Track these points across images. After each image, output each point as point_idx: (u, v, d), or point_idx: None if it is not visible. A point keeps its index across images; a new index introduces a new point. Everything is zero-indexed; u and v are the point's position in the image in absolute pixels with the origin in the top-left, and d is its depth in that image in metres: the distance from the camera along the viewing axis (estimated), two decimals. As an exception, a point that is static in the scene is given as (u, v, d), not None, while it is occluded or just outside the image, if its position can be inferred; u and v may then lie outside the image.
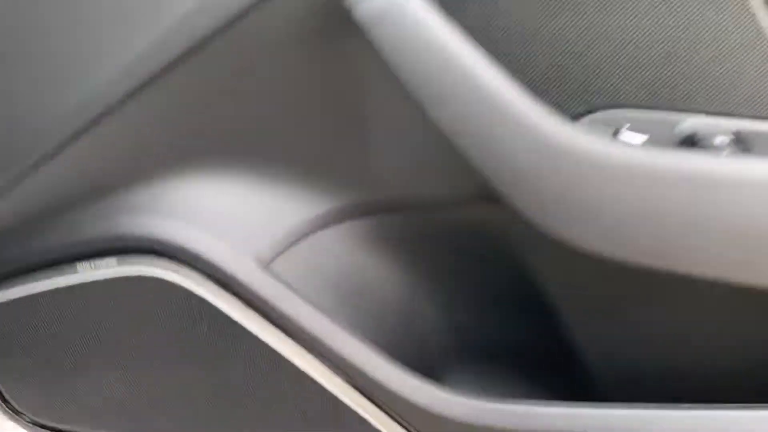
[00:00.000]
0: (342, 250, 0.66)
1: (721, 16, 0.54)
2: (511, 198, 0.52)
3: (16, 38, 0.59)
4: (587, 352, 0.67)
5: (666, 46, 0.55)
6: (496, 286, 0.68)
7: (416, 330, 0.69)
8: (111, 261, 0.63)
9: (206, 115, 0.60)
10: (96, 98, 0.58)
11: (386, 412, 0.62)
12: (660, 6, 0.54)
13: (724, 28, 0.54)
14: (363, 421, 0.63)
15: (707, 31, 0.54)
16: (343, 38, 0.57)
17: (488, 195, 0.63)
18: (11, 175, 0.62)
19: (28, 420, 0.74)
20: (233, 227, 0.63)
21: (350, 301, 0.67)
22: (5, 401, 0.74)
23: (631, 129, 0.56)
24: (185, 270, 0.61)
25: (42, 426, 0.74)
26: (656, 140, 0.56)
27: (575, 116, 0.58)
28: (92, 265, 0.63)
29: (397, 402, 0.61)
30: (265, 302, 0.60)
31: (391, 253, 0.67)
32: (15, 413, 0.74)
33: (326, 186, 0.64)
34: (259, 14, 0.54)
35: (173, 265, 0.61)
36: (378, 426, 0.63)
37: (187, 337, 0.63)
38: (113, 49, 0.57)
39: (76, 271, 0.64)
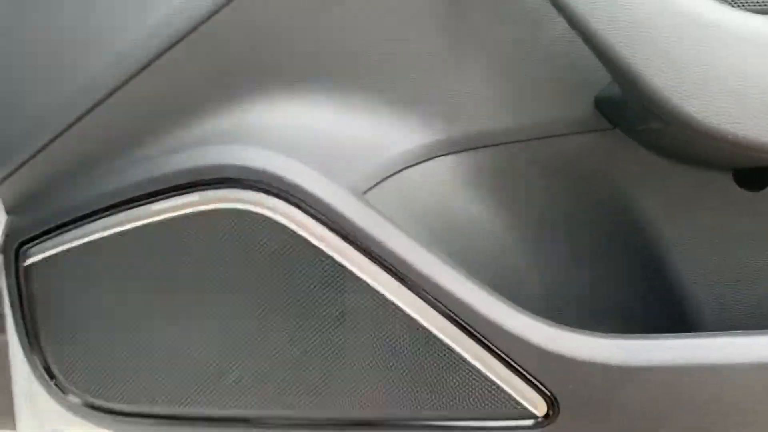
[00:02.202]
0: (432, 186, 0.62)
1: None
2: (650, 82, 0.49)
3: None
4: (694, 291, 0.63)
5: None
6: (593, 222, 0.64)
7: (508, 269, 0.65)
8: (191, 196, 0.58)
9: (299, 33, 0.58)
10: (176, 14, 0.55)
11: (485, 346, 0.57)
12: None
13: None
14: (457, 354, 0.57)
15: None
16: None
17: (590, 125, 0.61)
18: (77, 108, 0.58)
19: (78, 399, 0.67)
20: (326, 157, 0.59)
21: (440, 238, 0.62)
22: (52, 376, 0.67)
23: None
24: (275, 201, 0.57)
25: (93, 407, 0.66)
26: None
27: None
28: (170, 203, 0.58)
29: (497, 333, 0.56)
30: (362, 233, 0.56)
31: (482, 190, 0.63)
32: (62, 391, 0.67)
33: (419, 120, 0.61)
34: None
35: (262, 196, 0.57)
36: (471, 359, 0.57)
37: (277, 275, 0.58)
38: None
39: (151, 210, 0.59)
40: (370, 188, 0.60)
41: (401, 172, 0.61)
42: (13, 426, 1.02)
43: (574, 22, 0.51)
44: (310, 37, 0.58)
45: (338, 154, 0.59)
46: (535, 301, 0.65)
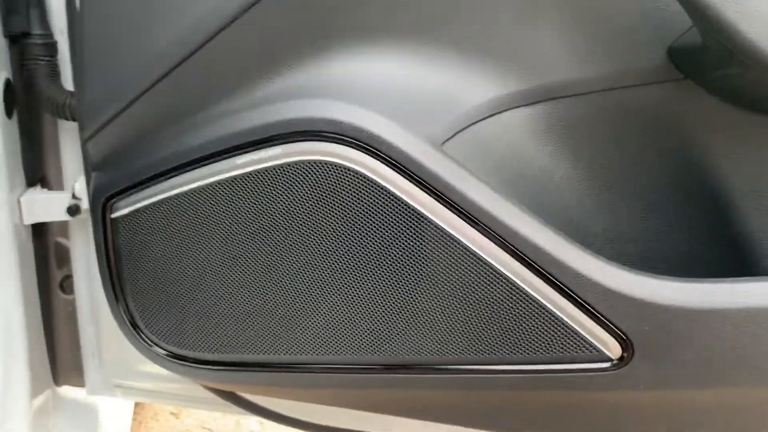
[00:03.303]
0: (505, 138, 0.64)
1: None
2: (736, 25, 0.50)
3: None
4: (761, 239, 0.64)
5: None
6: (662, 171, 0.65)
7: (577, 218, 0.66)
8: (274, 149, 0.60)
9: None
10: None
11: (561, 290, 0.58)
12: None
13: None
14: (533, 299, 0.59)
15: None
16: None
17: (662, 75, 0.61)
18: (164, 64, 0.60)
19: (163, 350, 0.69)
20: (405, 110, 0.60)
21: (512, 188, 0.64)
22: (138, 331, 0.70)
23: None
24: (357, 153, 0.58)
25: (180, 358, 0.69)
26: None
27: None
28: (253, 156, 0.61)
29: (572, 277, 0.58)
30: (441, 182, 0.57)
31: (554, 141, 0.65)
32: (148, 344, 0.70)
33: (493, 72, 0.62)
34: None
35: (344, 149, 0.59)
36: (547, 303, 0.59)
37: (358, 226, 0.60)
38: None
39: (235, 164, 0.61)
40: (447, 139, 0.61)
41: (476, 124, 0.63)
42: (82, 382, 1.07)
43: None
44: None
45: (417, 107, 0.61)
46: (605, 250, 0.66)
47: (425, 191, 0.58)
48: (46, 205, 0.93)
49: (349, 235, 0.60)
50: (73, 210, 0.93)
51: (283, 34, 0.59)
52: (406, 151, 0.58)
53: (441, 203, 0.58)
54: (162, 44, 0.60)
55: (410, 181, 0.58)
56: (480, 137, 0.63)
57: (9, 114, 0.88)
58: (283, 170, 0.60)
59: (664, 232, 0.66)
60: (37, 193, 0.94)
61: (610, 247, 0.67)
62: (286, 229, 0.61)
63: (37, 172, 0.95)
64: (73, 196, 0.93)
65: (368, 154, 0.58)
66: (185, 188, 0.62)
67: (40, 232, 0.98)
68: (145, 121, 0.63)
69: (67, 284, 1.03)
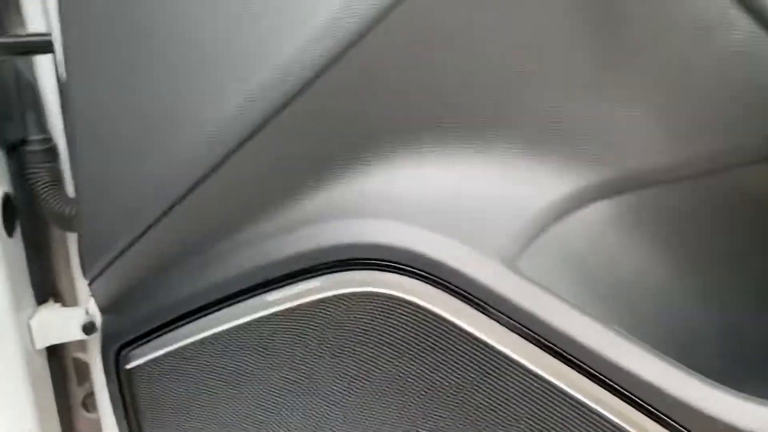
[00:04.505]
0: (588, 239, 0.52)
1: None
2: None
3: (193, 35, 0.48)
4: None
5: None
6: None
7: (682, 320, 0.54)
8: (313, 282, 0.50)
9: (418, 83, 0.49)
10: (280, 78, 0.47)
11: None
12: None
13: None
14: None
15: None
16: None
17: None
18: (174, 191, 0.50)
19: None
20: (461, 221, 0.49)
21: (604, 297, 0.52)
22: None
23: None
24: (414, 281, 0.48)
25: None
26: None
27: None
28: (288, 291, 0.50)
29: (690, 416, 0.46)
30: (521, 312, 0.46)
31: (646, 237, 0.53)
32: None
33: (564, 164, 0.51)
34: None
35: (397, 277, 0.48)
36: None
37: (419, 364, 0.49)
38: (291, 27, 0.46)
39: (266, 301, 0.51)
40: (519, 253, 0.50)
41: (551, 228, 0.52)
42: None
43: None
44: (431, 86, 0.48)
45: (476, 218, 0.50)
46: (714, 356, 0.55)
47: (500, 323, 0.47)
48: (59, 325, 0.84)
49: (406, 377, 0.49)
50: (89, 328, 0.84)
51: (313, 145, 0.49)
52: (473, 277, 0.47)
53: (520, 336, 0.47)
54: (171, 166, 0.50)
55: (481, 312, 0.47)
56: (557, 243, 0.52)
57: (10, 232, 0.79)
58: (324, 304, 0.50)
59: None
60: (50, 312, 0.85)
61: (720, 351, 0.55)
62: (328, 373, 0.50)
63: (48, 286, 0.87)
64: (87, 313, 0.84)
65: (427, 283, 0.48)
66: (209, 333, 0.52)
67: (55, 349, 0.89)
68: (155, 256, 0.53)
69: (90, 402, 0.94)
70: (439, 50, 0.47)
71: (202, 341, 0.53)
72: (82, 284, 0.86)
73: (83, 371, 0.92)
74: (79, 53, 0.53)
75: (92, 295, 0.57)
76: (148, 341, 0.54)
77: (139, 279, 0.54)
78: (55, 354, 0.89)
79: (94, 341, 0.88)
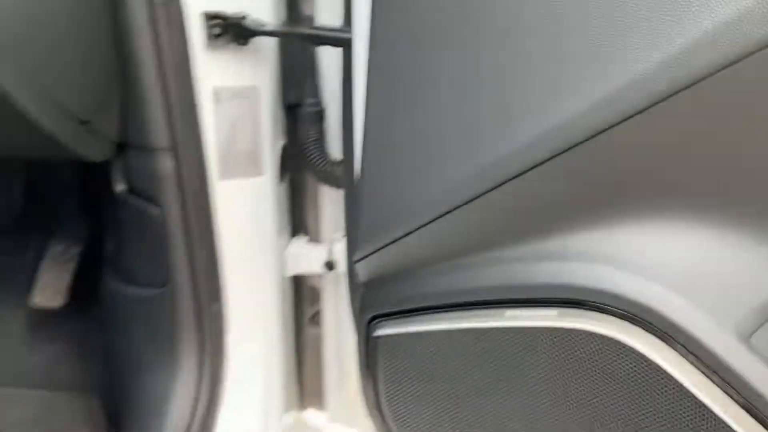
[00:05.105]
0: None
1: None
2: None
3: (486, 70, 0.54)
4: None
5: None
6: None
7: None
8: (549, 311, 0.56)
9: (687, 154, 0.51)
10: (562, 130, 0.52)
11: None
12: None
13: None
14: None
15: None
16: None
17: None
18: (446, 203, 0.58)
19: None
20: (704, 288, 0.52)
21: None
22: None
23: None
24: (644, 333, 0.52)
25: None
26: None
27: None
28: (525, 312, 0.57)
29: None
30: (751, 390, 0.49)
31: None
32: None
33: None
34: None
35: (628, 326, 0.53)
36: None
37: (636, 410, 0.54)
38: (594, 78, 0.50)
39: (503, 315, 0.59)
40: (754, 331, 0.52)
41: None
42: (324, 408, 1.17)
43: None
44: (706, 159, 0.50)
45: (718, 287, 0.52)
46: None
47: (727, 394, 0.50)
48: (306, 257, 1.00)
49: (622, 417, 0.55)
50: (330, 265, 0.99)
51: (573, 191, 0.54)
52: (706, 344, 0.50)
53: (743, 409, 0.50)
54: (445, 184, 0.58)
55: (709, 379, 0.51)
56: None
57: (282, 177, 0.94)
58: (555, 332, 0.56)
59: None
60: (300, 245, 1.01)
61: None
62: (545, 391, 0.58)
63: (300, 224, 1.02)
64: (329, 257, 0.99)
65: (658, 338, 0.52)
66: (449, 326, 0.62)
67: (299, 290, 1.07)
68: (415, 254, 0.62)
69: (316, 319, 1.11)
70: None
71: (444, 331, 0.62)
72: (326, 224, 1.01)
73: (314, 293, 1.09)
74: (384, 51, 0.61)
75: (355, 270, 0.68)
76: (395, 319, 0.65)
77: (395, 268, 0.64)
78: (297, 280, 1.07)
79: (328, 277, 1.04)
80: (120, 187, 0.85)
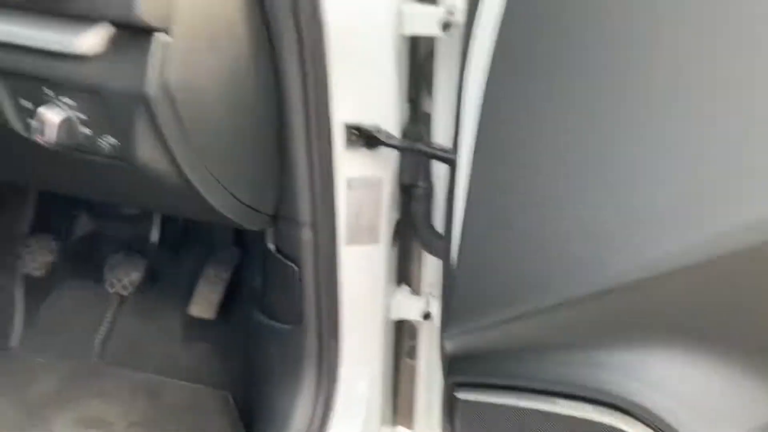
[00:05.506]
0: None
1: None
2: None
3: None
4: None
5: None
6: None
7: None
8: (587, 407, 0.74)
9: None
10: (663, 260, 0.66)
11: None
12: None
13: None
14: None
15: None
16: None
17: None
18: (528, 304, 0.74)
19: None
20: (707, 408, 0.68)
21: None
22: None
23: None
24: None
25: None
26: None
27: None
28: (570, 403, 0.75)
29: None
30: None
31: None
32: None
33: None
34: None
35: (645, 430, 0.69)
36: None
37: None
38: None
39: (553, 403, 0.77)
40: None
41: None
42: (412, 426, 1.39)
43: None
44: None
45: (718, 407, 0.67)
46: None
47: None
48: (407, 306, 1.21)
49: None
50: (427, 316, 1.20)
51: (631, 319, 0.70)
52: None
53: None
54: (544, 281, 0.73)
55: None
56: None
57: (394, 243, 1.15)
58: (591, 424, 0.73)
59: None
60: (402, 294, 1.22)
61: None
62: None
63: (405, 276, 1.24)
64: (426, 307, 1.19)
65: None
66: (520, 404, 0.80)
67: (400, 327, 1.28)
68: (501, 341, 0.80)
69: (411, 353, 1.32)
70: None
71: (515, 408, 0.80)
72: (426, 281, 1.21)
73: (412, 330, 1.30)
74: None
75: (443, 341, 0.88)
76: (477, 389, 0.84)
77: (481, 349, 0.83)
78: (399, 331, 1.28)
79: (425, 327, 1.24)
80: (271, 246, 1.09)
